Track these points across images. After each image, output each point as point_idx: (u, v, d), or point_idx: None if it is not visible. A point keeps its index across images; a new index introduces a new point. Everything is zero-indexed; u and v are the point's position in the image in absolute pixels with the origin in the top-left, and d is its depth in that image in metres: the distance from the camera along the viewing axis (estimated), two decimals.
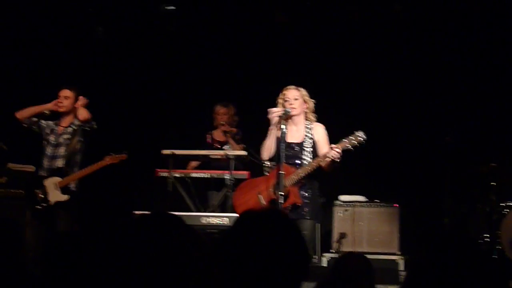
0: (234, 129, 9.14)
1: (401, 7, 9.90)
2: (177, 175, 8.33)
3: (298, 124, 7.15)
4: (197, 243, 1.89)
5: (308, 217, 6.93)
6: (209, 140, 9.27)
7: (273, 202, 7.06)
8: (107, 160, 8.12)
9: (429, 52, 10.11)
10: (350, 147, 6.76)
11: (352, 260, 4.45)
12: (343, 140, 6.81)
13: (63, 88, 8.26)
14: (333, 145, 6.81)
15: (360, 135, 6.78)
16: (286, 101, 7.05)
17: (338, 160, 6.78)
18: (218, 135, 9.29)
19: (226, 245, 2.24)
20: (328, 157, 6.77)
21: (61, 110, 8.23)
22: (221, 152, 8.46)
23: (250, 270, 2.17)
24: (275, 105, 7.13)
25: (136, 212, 7.96)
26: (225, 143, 9.13)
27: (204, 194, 8.87)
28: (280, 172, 6.70)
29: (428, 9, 9.89)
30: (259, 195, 7.11)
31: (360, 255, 4.66)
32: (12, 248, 3.85)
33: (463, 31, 9.95)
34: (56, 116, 8.38)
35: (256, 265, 2.17)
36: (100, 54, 11.10)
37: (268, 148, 7.16)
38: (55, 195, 7.99)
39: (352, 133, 6.81)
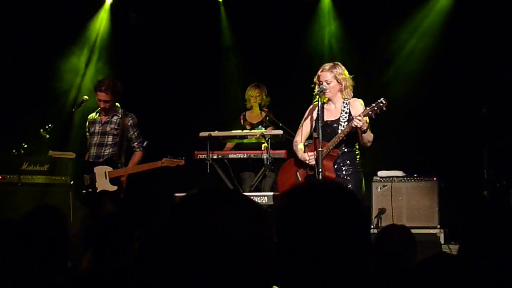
0: (266, 110, 9.18)
1: None
2: (215, 156, 8.38)
3: (336, 102, 7.20)
4: (260, 216, 1.82)
5: None
6: (241, 121, 9.30)
7: (309, 178, 7.14)
8: (164, 162, 8.15)
9: (466, 23, 10.02)
10: (372, 113, 6.78)
11: (395, 232, 4.47)
12: (366, 108, 6.85)
13: (99, 91, 8.23)
14: (354, 116, 6.84)
15: (381, 101, 6.77)
16: (320, 83, 7.08)
17: (365, 129, 6.79)
18: (250, 116, 9.32)
19: (282, 218, 2.09)
20: (352, 126, 6.79)
21: (107, 109, 8.30)
22: (257, 131, 8.49)
23: (312, 243, 2.02)
24: (312, 83, 7.18)
25: (177, 195, 8.05)
26: (258, 124, 9.16)
27: (238, 175, 8.92)
28: (319, 149, 6.76)
29: None
30: (296, 173, 7.24)
31: (403, 227, 4.67)
32: (56, 237, 3.89)
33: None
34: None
35: (319, 237, 2.02)
36: (133, 39, 11.17)
37: (303, 128, 7.25)
38: (103, 184, 8.07)
39: (374, 101, 6.82)
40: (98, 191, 8.04)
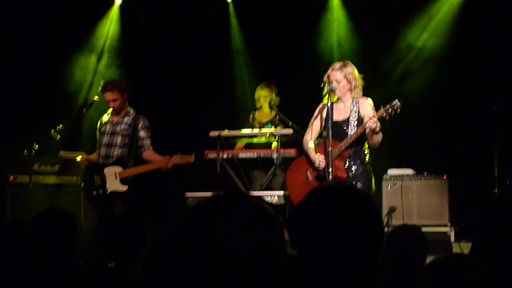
0: (276, 109, 9.20)
1: None
2: (225, 156, 8.40)
3: (346, 101, 7.18)
4: (270, 223, 1.84)
5: None
6: (250, 120, 9.32)
7: (319, 178, 7.15)
8: (174, 160, 8.12)
9: (476, 21, 10.01)
10: (386, 115, 6.77)
11: (406, 232, 4.47)
12: (380, 109, 6.85)
13: (106, 91, 8.23)
14: (368, 115, 6.84)
15: (396, 103, 6.77)
16: (330, 82, 7.07)
17: (378, 130, 6.79)
18: (260, 115, 9.34)
19: (298, 221, 2.18)
20: (366, 128, 6.79)
21: (117, 111, 8.31)
22: (267, 131, 8.50)
23: (326, 244, 2.11)
24: (322, 82, 7.19)
25: (188, 194, 8.08)
26: (268, 123, 9.19)
27: (248, 174, 8.93)
28: (329, 149, 6.76)
29: None
30: (307, 172, 7.24)
31: (414, 227, 4.67)
32: (66, 239, 3.92)
33: None
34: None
35: (333, 239, 2.11)
36: (142, 40, 11.21)
37: (313, 127, 7.26)
38: (114, 184, 8.06)
39: (388, 102, 6.82)
40: (108, 192, 8.04)
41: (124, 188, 8.03)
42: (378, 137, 6.92)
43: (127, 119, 8.28)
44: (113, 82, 8.36)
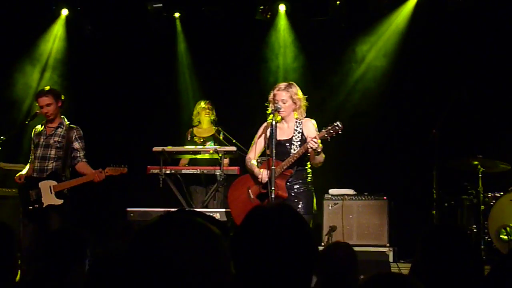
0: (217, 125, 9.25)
1: None
2: (168, 171, 8.39)
3: (289, 121, 7.25)
4: (216, 243, 1.89)
5: (303, 213, 6.90)
6: (188, 137, 9.33)
7: (260, 196, 7.19)
8: (107, 171, 8.04)
9: (419, 44, 10.21)
10: (327, 136, 6.85)
11: (338, 250, 4.54)
12: (322, 130, 6.92)
13: (40, 97, 8.14)
14: (311, 136, 6.91)
15: (337, 125, 6.84)
16: (275, 102, 7.14)
17: (319, 151, 6.86)
18: (199, 131, 9.36)
19: (237, 241, 2.27)
20: (308, 148, 6.87)
21: (50, 118, 8.19)
22: (211, 148, 8.52)
23: (262, 265, 2.22)
24: (266, 101, 7.24)
25: (129, 209, 8.04)
26: (209, 139, 9.21)
27: (189, 190, 8.93)
28: (272, 167, 6.81)
29: None
30: (248, 190, 7.28)
31: (345, 244, 4.72)
32: (4, 254, 3.87)
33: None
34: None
35: (268, 260, 2.22)
36: (88, 53, 11.14)
37: (257, 146, 7.32)
38: (49, 198, 7.96)
39: (330, 124, 6.89)
40: (44, 206, 7.95)
41: (59, 201, 7.95)
42: (320, 158, 6.99)
43: (60, 131, 8.16)
44: (48, 89, 8.31)
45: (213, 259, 1.85)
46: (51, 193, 7.96)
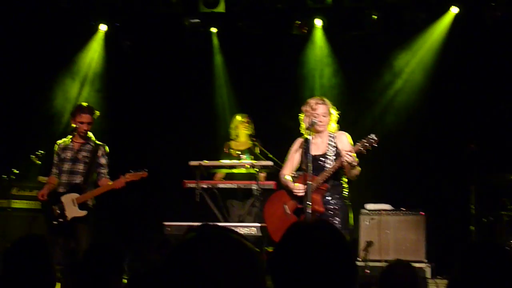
0: (254, 139, 9.24)
1: None
2: (204, 186, 8.41)
3: (323, 136, 7.23)
4: (252, 259, 1.90)
5: (340, 228, 6.76)
6: (226, 150, 9.35)
7: (296, 211, 7.17)
8: (128, 177, 8.14)
9: (457, 58, 10.14)
10: (362, 149, 6.81)
11: (399, 268, 4.51)
12: (356, 143, 6.89)
13: (86, 113, 8.26)
14: (346, 149, 6.90)
15: (372, 138, 6.81)
16: (314, 116, 7.10)
17: (355, 164, 6.84)
18: (236, 145, 9.37)
19: (276, 258, 2.25)
20: (343, 162, 6.85)
21: (84, 135, 8.28)
22: (248, 162, 8.52)
23: (302, 282, 2.20)
24: (299, 115, 7.24)
25: (166, 223, 8.07)
26: (245, 151, 9.22)
27: (226, 204, 8.93)
28: (308, 182, 6.79)
29: None
30: (284, 205, 7.25)
31: (407, 264, 4.70)
32: (41, 266, 3.91)
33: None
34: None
35: (307, 276, 2.20)
36: (125, 67, 11.24)
37: (291, 161, 7.31)
38: (73, 211, 8.04)
39: (365, 137, 6.86)
40: (69, 219, 8.02)
41: (83, 213, 8.02)
42: (356, 171, 6.97)
43: (89, 147, 8.26)
44: (90, 107, 8.41)
45: (249, 275, 1.85)
46: (75, 205, 8.04)
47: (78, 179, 8.15)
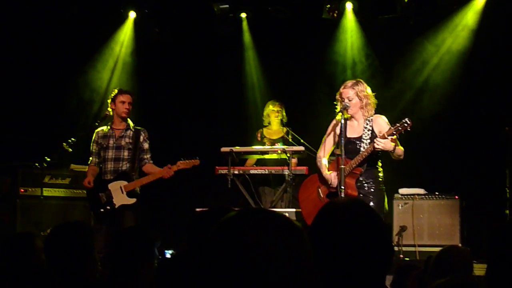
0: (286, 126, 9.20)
1: None
2: (236, 172, 8.39)
3: (359, 119, 7.17)
4: (300, 237, 1.80)
5: None
6: (258, 138, 9.31)
7: (330, 195, 7.13)
8: (179, 165, 8.11)
9: (492, 41, 9.99)
10: (396, 133, 6.75)
11: (455, 253, 4.49)
12: (390, 127, 6.83)
13: (127, 93, 8.28)
14: (383, 131, 6.85)
15: (405, 121, 6.73)
16: (342, 100, 7.08)
17: (392, 148, 6.81)
18: (269, 132, 9.33)
19: (311, 238, 2.17)
20: (374, 148, 6.80)
21: (126, 116, 8.29)
22: (279, 148, 8.50)
23: (337, 261, 2.16)
24: (335, 100, 7.19)
25: (198, 210, 8.06)
26: (278, 140, 9.17)
27: (258, 191, 8.91)
28: (341, 166, 6.75)
29: None
30: (318, 189, 7.24)
31: (464, 249, 4.67)
32: (83, 252, 3.91)
33: None
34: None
35: (343, 256, 2.16)
36: (155, 54, 11.25)
37: (326, 143, 7.27)
38: (121, 198, 8.02)
39: (398, 121, 6.79)
40: (117, 206, 8.01)
41: (132, 200, 8.00)
42: (399, 151, 6.96)
43: (129, 133, 8.24)
44: (129, 90, 8.44)
45: (297, 251, 1.77)
46: (123, 193, 8.01)
47: (125, 166, 8.15)
